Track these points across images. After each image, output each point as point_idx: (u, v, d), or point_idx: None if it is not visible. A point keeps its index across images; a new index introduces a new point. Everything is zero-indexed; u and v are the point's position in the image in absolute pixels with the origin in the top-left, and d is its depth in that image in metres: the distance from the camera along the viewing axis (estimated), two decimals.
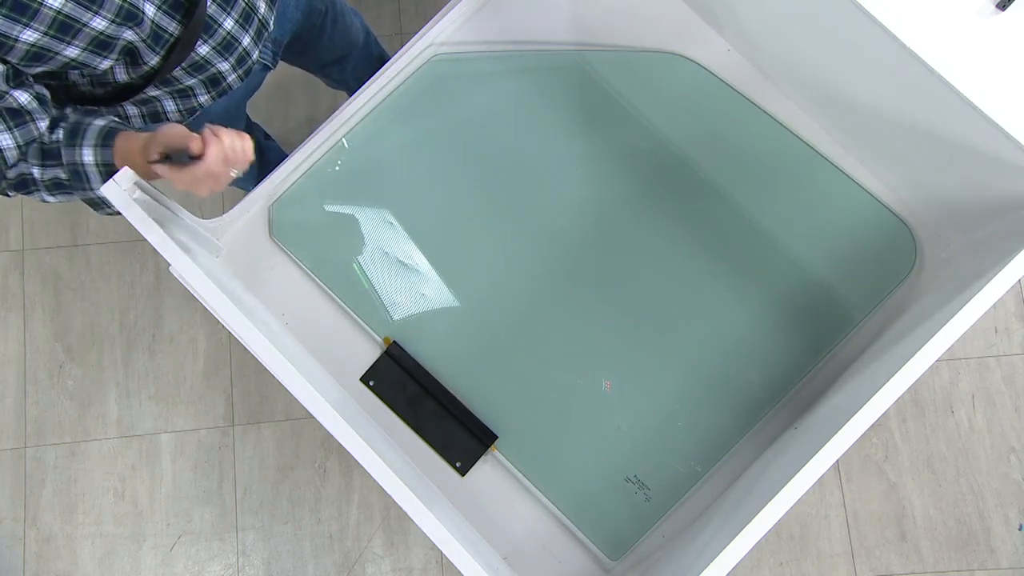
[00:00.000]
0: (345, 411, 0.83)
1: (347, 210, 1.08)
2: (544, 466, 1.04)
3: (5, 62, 0.73)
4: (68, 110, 0.85)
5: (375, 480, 0.79)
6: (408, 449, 1.04)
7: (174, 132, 0.79)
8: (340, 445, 0.80)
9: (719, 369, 1.05)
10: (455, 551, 0.78)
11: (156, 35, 0.83)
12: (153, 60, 0.85)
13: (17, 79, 0.76)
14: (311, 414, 0.80)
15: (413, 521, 0.78)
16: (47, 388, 1.62)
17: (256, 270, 1.07)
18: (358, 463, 0.80)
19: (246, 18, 0.92)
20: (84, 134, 0.83)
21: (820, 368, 1.05)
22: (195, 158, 0.78)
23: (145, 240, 0.82)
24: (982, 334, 1.65)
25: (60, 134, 0.82)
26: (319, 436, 1.60)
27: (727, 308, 1.07)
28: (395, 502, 0.79)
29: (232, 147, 0.80)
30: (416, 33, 1.10)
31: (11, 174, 0.81)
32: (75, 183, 0.83)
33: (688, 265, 1.08)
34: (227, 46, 0.92)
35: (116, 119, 0.86)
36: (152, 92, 0.92)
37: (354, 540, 1.57)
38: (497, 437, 1.04)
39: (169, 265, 0.82)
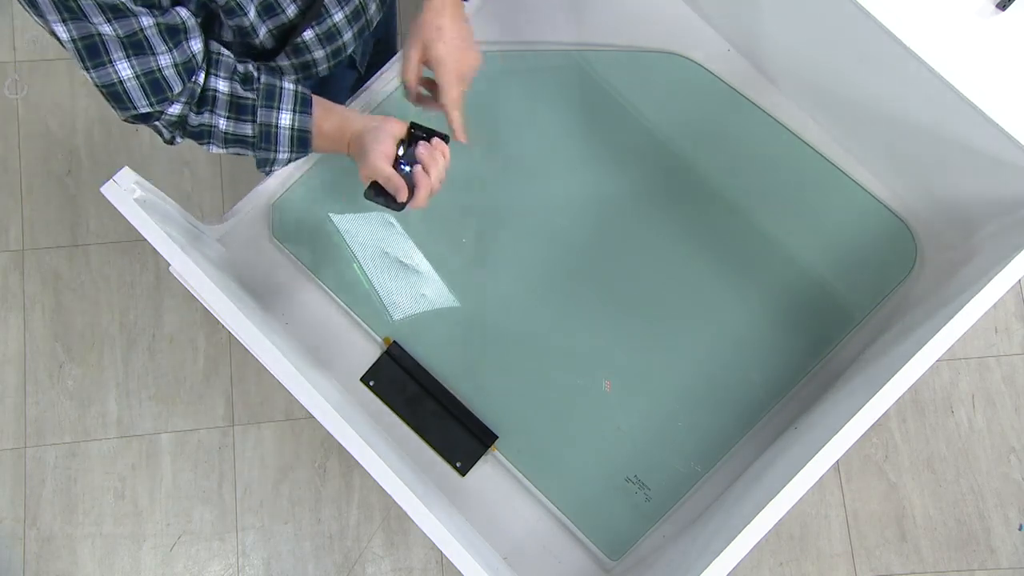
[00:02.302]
0: (345, 411, 0.83)
1: (347, 210, 1.08)
2: (544, 466, 1.04)
3: None
4: (252, 67, 0.84)
5: (375, 480, 0.79)
6: (408, 449, 1.04)
7: (384, 169, 0.81)
8: (340, 445, 0.80)
9: (719, 369, 1.05)
10: (455, 551, 0.78)
11: None
12: (291, 10, 0.86)
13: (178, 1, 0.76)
14: (311, 414, 0.80)
15: (413, 521, 0.78)
16: (47, 388, 1.62)
17: (256, 270, 1.07)
18: (358, 463, 0.80)
19: (355, 15, 0.94)
20: (281, 97, 0.83)
21: (820, 368, 1.05)
22: (404, 202, 0.82)
23: (145, 240, 0.82)
24: (982, 334, 1.65)
25: (256, 94, 0.82)
26: (319, 436, 1.60)
27: (727, 308, 1.07)
28: (395, 502, 0.79)
29: (439, 179, 0.83)
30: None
31: (193, 122, 0.80)
32: (260, 142, 0.83)
33: (688, 265, 1.08)
34: (330, 36, 0.92)
35: (300, 86, 0.86)
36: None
37: (354, 540, 1.57)
38: (497, 437, 1.04)
39: (169, 265, 0.82)
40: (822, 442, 0.79)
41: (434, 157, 0.83)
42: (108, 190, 0.82)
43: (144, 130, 1.63)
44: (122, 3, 0.69)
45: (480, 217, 1.09)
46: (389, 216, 1.08)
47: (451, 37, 0.86)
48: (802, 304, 1.07)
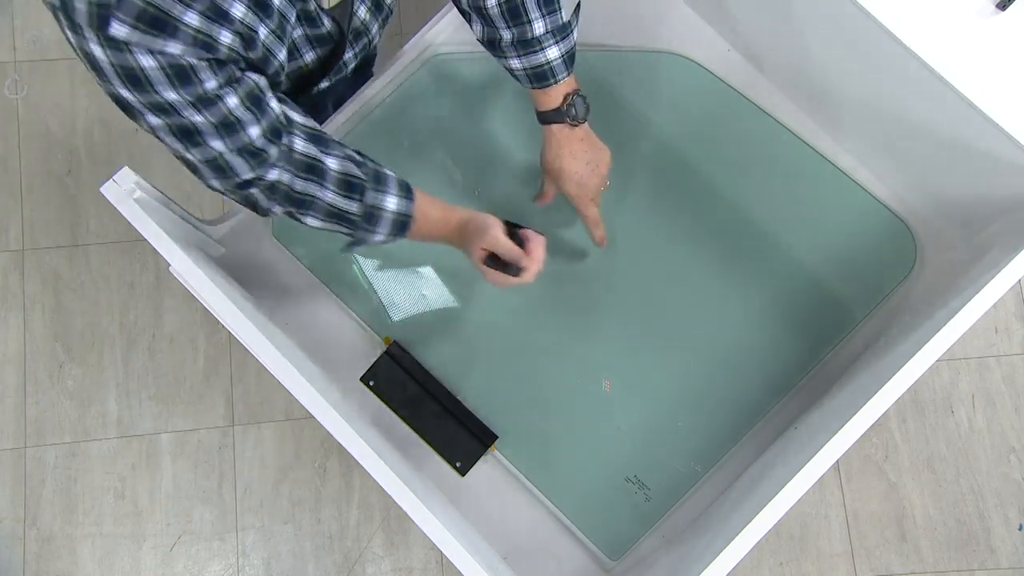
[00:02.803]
0: (345, 411, 0.83)
1: None
2: (544, 466, 1.04)
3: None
4: (353, 150, 0.87)
5: (375, 480, 0.79)
6: (408, 449, 1.04)
7: (501, 240, 0.87)
8: (340, 445, 0.80)
9: (719, 369, 1.05)
10: (455, 551, 0.78)
11: (321, 38, 0.88)
12: (309, 58, 0.89)
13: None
14: (311, 414, 0.80)
15: (413, 521, 0.78)
16: (47, 388, 1.62)
17: (256, 270, 1.07)
18: (358, 463, 0.80)
19: (377, 7, 0.95)
20: (387, 181, 0.86)
21: (820, 368, 1.05)
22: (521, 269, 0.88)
23: (145, 240, 0.82)
24: (982, 334, 1.65)
25: (366, 174, 0.84)
26: (319, 436, 1.60)
27: (727, 308, 1.07)
28: (395, 502, 0.79)
29: (542, 262, 0.89)
30: (416, 33, 1.10)
31: (298, 187, 0.82)
32: (361, 224, 0.85)
33: (688, 264, 1.08)
34: (337, 70, 0.95)
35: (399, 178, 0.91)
36: None
37: (354, 540, 1.57)
38: (497, 437, 1.04)
39: (169, 265, 0.82)
40: (822, 442, 0.79)
41: (538, 239, 0.90)
42: (108, 190, 0.82)
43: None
44: (209, 92, 0.71)
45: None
46: None
47: (573, 173, 0.97)
48: (802, 304, 1.07)
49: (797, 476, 0.78)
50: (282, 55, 0.80)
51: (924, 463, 1.60)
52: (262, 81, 0.78)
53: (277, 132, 0.79)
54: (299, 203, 0.83)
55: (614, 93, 1.12)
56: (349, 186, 0.84)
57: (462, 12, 0.92)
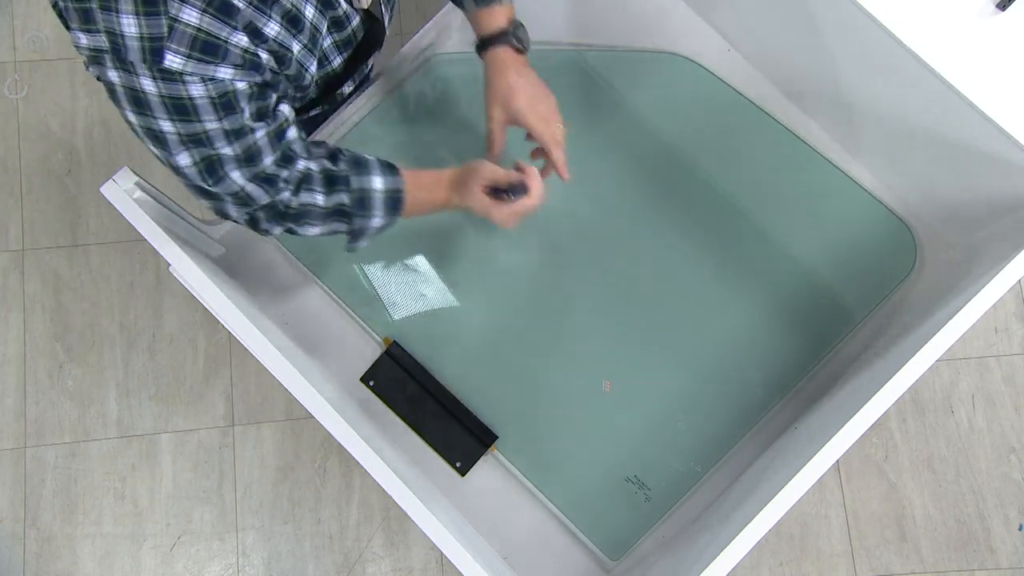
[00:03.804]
0: (345, 411, 0.83)
1: None
2: (544, 466, 1.04)
3: (277, 91, 0.77)
4: (330, 144, 0.88)
5: (375, 480, 0.79)
6: (408, 449, 1.04)
7: (498, 170, 0.86)
8: (340, 445, 0.80)
9: (719, 369, 1.05)
10: (455, 551, 0.78)
11: (348, 41, 0.88)
12: (337, 61, 0.89)
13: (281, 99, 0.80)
14: (311, 414, 0.80)
15: (413, 521, 0.79)
16: (47, 388, 1.62)
17: (256, 270, 1.07)
18: (358, 463, 0.80)
19: (391, 16, 0.95)
20: (368, 164, 0.86)
21: (820, 368, 1.05)
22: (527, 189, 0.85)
23: (145, 240, 0.82)
24: (982, 334, 1.65)
25: (344, 164, 0.85)
26: (319, 436, 1.60)
27: (727, 308, 1.07)
28: (395, 502, 0.79)
29: (542, 181, 0.87)
30: (416, 33, 1.10)
31: (294, 204, 0.83)
32: (356, 210, 0.85)
33: (688, 264, 1.08)
34: (360, 71, 0.96)
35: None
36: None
37: (354, 540, 1.57)
38: (497, 437, 1.04)
39: (169, 265, 0.82)
40: (822, 442, 0.79)
41: (531, 168, 0.87)
42: (108, 190, 0.82)
43: None
44: (245, 124, 0.72)
45: (479, 217, 1.09)
46: None
47: (523, 88, 0.91)
48: (802, 304, 1.07)
49: (797, 476, 0.78)
50: (313, 67, 0.81)
51: (924, 463, 1.60)
52: (292, 115, 0.79)
53: (289, 159, 0.80)
54: (296, 218, 0.84)
55: (614, 93, 1.12)
56: (333, 180, 0.84)
57: None
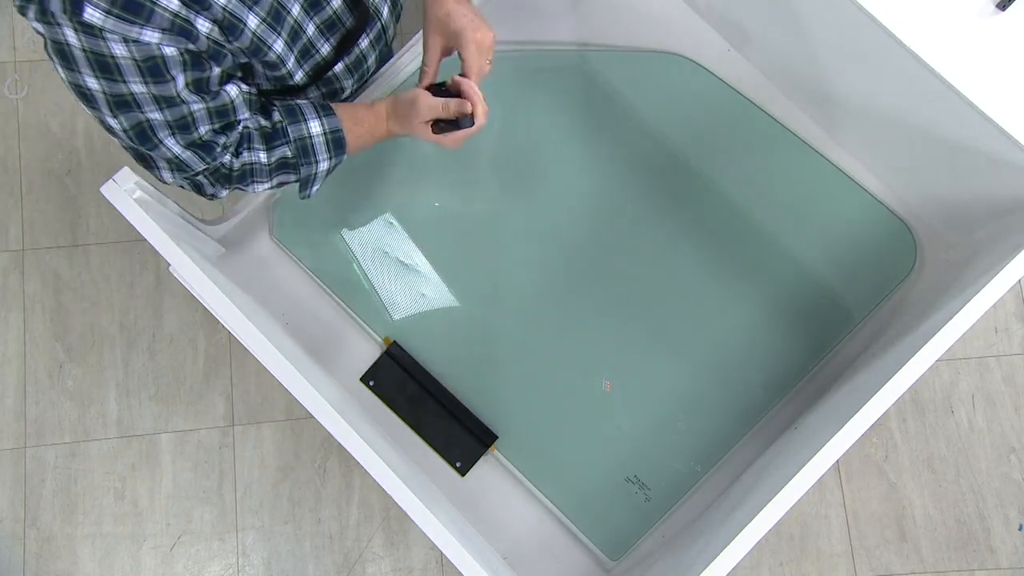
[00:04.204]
0: (345, 411, 0.83)
1: (347, 210, 1.08)
2: (544, 466, 1.04)
3: (220, 67, 0.75)
4: (265, 100, 0.87)
5: (375, 480, 0.79)
6: (408, 449, 1.04)
7: (435, 103, 0.84)
8: (340, 445, 0.80)
9: (719, 369, 1.05)
10: (455, 551, 0.78)
11: (332, 24, 0.87)
12: (325, 49, 0.88)
13: (228, 78, 0.79)
14: (311, 414, 0.80)
15: (413, 521, 0.78)
16: (47, 388, 1.62)
17: (256, 270, 1.07)
18: (358, 463, 0.79)
19: (378, 38, 0.95)
20: (302, 110, 0.85)
21: (820, 368, 1.05)
22: (472, 115, 0.84)
23: (145, 240, 0.82)
24: (982, 334, 1.65)
25: (277, 115, 0.84)
26: (319, 436, 1.60)
27: (727, 308, 1.07)
28: (395, 502, 0.79)
29: (482, 97, 0.86)
30: (416, 33, 1.10)
31: (236, 165, 0.82)
32: (300, 159, 0.85)
33: (688, 264, 1.08)
34: (357, 64, 0.95)
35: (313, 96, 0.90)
36: (276, 100, 0.95)
37: (354, 540, 1.57)
38: (497, 437, 1.04)
39: (169, 265, 0.82)
40: (822, 442, 0.79)
41: (466, 81, 0.86)
42: (108, 190, 0.82)
43: None
44: (177, 94, 0.71)
45: (480, 217, 1.09)
46: (390, 216, 1.08)
47: (462, 15, 0.88)
48: (802, 304, 1.07)
49: (797, 476, 0.77)
50: (278, 46, 0.79)
51: (924, 463, 1.60)
52: (238, 99, 0.78)
53: (229, 126, 0.79)
54: (241, 178, 0.84)
55: (614, 93, 1.12)
56: (271, 135, 0.84)
57: None
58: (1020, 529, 1.58)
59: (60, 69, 0.68)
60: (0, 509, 1.58)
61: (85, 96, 0.70)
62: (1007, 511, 1.59)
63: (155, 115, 0.72)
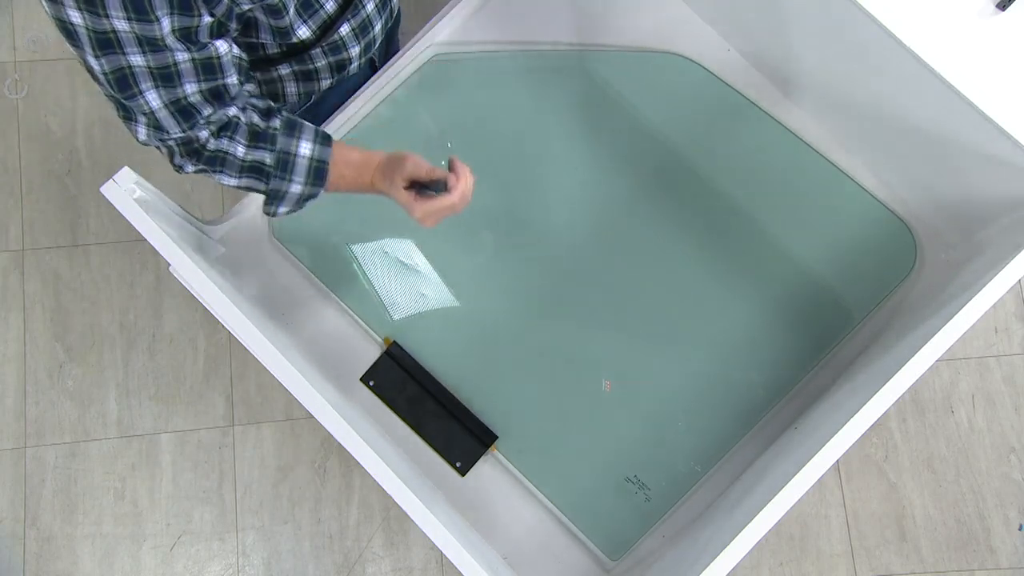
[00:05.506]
0: (345, 411, 0.83)
1: (347, 210, 1.08)
2: (544, 466, 1.04)
3: (213, 14, 0.73)
4: (273, 104, 0.86)
5: (375, 480, 0.79)
6: (408, 449, 1.04)
7: (422, 164, 0.84)
8: (340, 445, 0.80)
9: (719, 369, 1.05)
10: (455, 551, 0.78)
11: None
12: (330, 5, 0.87)
13: (220, 31, 0.77)
14: (311, 414, 0.80)
15: (413, 521, 0.78)
16: (47, 388, 1.62)
17: (256, 270, 1.07)
18: (358, 463, 0.79)
19: (383, 4, 0.94)
20: (302, 129, 0.85)
21: (820, 368, 1.05)
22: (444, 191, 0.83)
23: (145, 240, 0.82)
24: (982, 334, 1.65)
25: (278, 123, 0.83)
26: (319, 436, 1.60)
27: (727, 308, 1.07)
28: (395, 502, 0.79)
29: (469, 185, 0.85)
30: (416, 33, 1.10)
31: (210, 146, 0.81)
32: (275, 171, 0.84)
33: (688, 265, 1.08)
34: (363, 28, 0.93)
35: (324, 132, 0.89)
36: (283, 71, 0.93)
37: (354, 540, 1.57)
38: (497, 437, 1.04)
39: (169, 265, 0.82)
40: (822, 442, 0.79)
41: (463, 165, 0.85)
42: (108, 190, 0.82)
43: None
44: (161, 37, 0.70)
45: (479, 217, 1.09)
46: (390, 216, 1.08)
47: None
48: (802, 304, 1.07)
49: (797, 476, 0.77)
50: (291, 9, 0.78)
51: (924, 463, 1.60)
52: (227, 56, 0.76)
53: (219, 96, 0.78)
54: (211, 161, 0.82)
55: (614, 93, 1.12)
56: (259, 136, 0.83)
57: None
58: (1020, 529, 1.59)
59: (45, 4, 0.68)
60: (0, 509, 1.58)
61: (68, 32, 0.69)
62: (1007, 511, 1.59)
63: (137, 59, 0.70)
